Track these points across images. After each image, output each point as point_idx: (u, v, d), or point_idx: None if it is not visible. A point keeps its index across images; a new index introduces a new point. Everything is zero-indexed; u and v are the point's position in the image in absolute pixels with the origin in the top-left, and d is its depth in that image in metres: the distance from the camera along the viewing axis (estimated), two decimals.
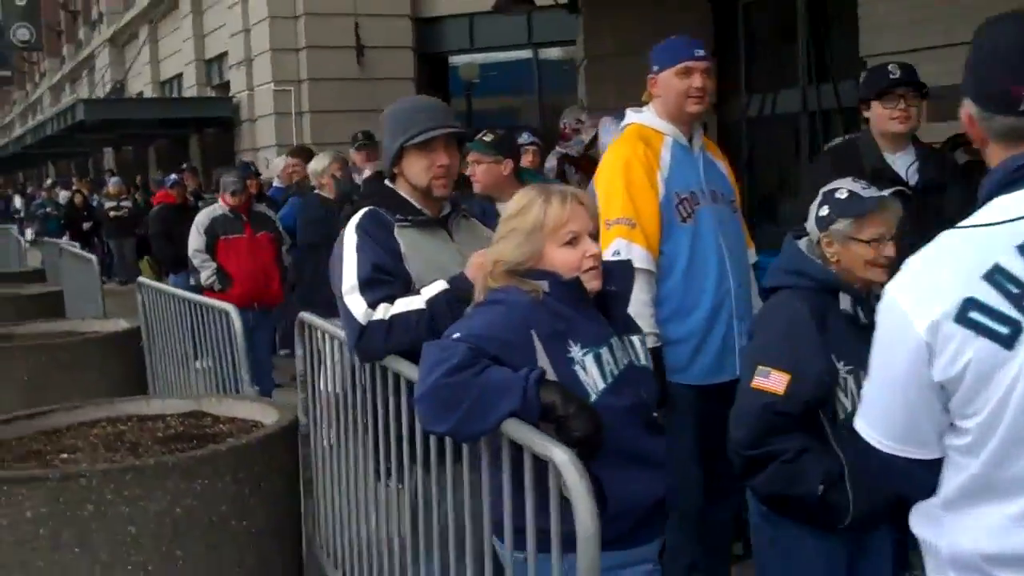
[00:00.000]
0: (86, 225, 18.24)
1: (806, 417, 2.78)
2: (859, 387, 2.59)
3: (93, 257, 7.64)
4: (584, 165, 7.23)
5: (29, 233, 19.40)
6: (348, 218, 3.26)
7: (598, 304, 2.62)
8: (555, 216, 2.54)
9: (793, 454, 2.76)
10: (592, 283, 2.57)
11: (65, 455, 3.54)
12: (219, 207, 7.28)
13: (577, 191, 2.69)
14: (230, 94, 19.79)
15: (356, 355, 3.18)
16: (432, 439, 2.68)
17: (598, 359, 2.50)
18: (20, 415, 4.07)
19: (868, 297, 2.87)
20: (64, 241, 11.65)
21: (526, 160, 5.93)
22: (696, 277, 3.71)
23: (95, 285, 7.70)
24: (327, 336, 3.69)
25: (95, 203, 19.23)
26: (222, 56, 22.05)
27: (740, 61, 10.23)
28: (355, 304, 3.06)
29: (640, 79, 3.92)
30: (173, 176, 9.97)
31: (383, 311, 3.02)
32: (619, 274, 2.70)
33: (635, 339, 2.68)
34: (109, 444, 3.66)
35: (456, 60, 19.76)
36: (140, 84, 27.19)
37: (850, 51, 8.25)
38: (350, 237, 3.17)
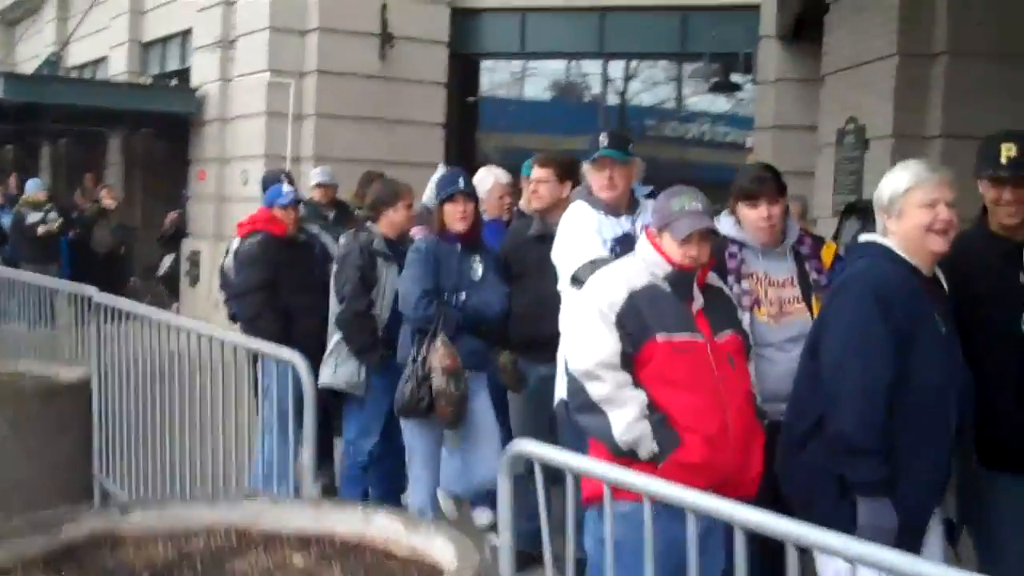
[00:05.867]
0: None
1: None
2: None
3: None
4: None
5: None
6: None
7: None
8: None
9: None
10: None
11: None
12: (653, 268, 2.99)
13: None
14: (192, 85, 15.06)
15: None
16: None
17: None
18: None
19: None
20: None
21: None
22: None
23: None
24: None
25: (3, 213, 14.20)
26: (167, 39, 17.35)
27: None
28: None
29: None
30: (288, 189, 5.43)
31: None
32: None
33: None
34: None
35: (493, 66, 15.57)
36: (36, 69, 21.72)
37: None
38: None
